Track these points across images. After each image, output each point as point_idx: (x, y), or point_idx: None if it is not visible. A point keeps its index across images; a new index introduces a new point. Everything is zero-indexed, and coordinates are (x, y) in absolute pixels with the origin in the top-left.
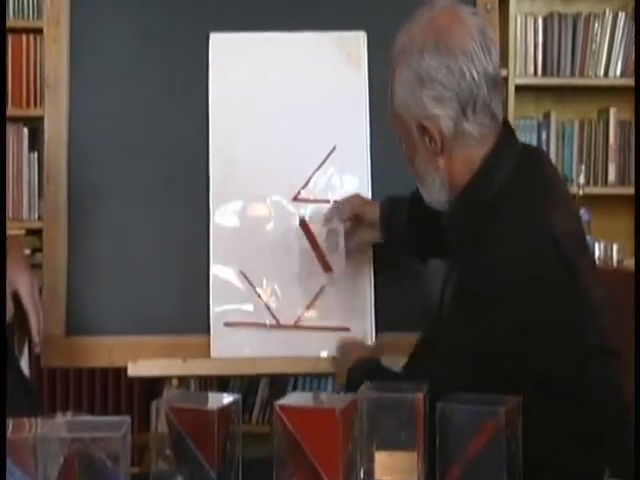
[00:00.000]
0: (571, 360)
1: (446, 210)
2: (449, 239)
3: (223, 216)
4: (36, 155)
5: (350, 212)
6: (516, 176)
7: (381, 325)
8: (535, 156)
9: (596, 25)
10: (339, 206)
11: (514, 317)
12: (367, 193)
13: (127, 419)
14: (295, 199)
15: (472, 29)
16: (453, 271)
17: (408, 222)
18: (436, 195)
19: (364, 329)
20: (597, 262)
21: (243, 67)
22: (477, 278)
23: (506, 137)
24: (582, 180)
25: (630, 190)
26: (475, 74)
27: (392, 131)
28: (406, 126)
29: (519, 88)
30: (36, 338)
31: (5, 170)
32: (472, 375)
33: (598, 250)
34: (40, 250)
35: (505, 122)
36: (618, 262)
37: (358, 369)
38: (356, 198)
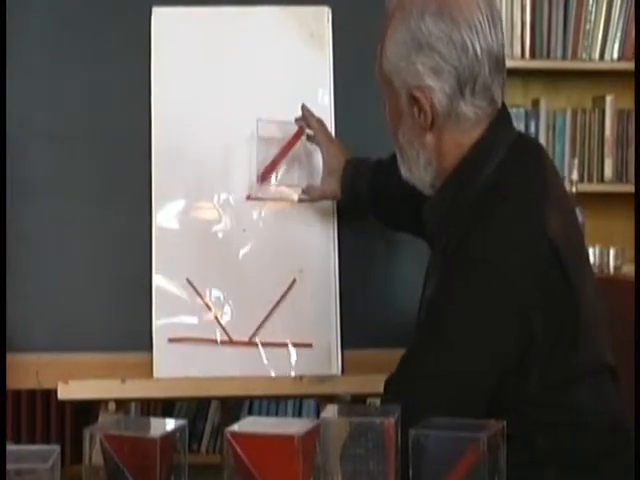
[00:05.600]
0: (562, 378)
1: (427, 206)
2: (429, 238)
3: (167, 217)
4: None
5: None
6: (509, 167)
7: (348, 340)
8: (532, 147)
9: (590, 1)
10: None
11: (506, 333)
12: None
13: (56, 448)
14: (249, 198)
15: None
16: (433, 278)
17: (371, 191)
18: (419, 172)
19: (328, 345)
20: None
21: (190, 46)
22: (464, 285)
23: (501, 122)
24: (575, 176)
25: (629, 187)
26: (478, 50)
27: (359, 121)
28: (394, 90)
29: None
30: None
31: (5, 170)
32: (459, 394)
33: (593, 255)
34: None
35: (503, 106)
36: (615, 269)
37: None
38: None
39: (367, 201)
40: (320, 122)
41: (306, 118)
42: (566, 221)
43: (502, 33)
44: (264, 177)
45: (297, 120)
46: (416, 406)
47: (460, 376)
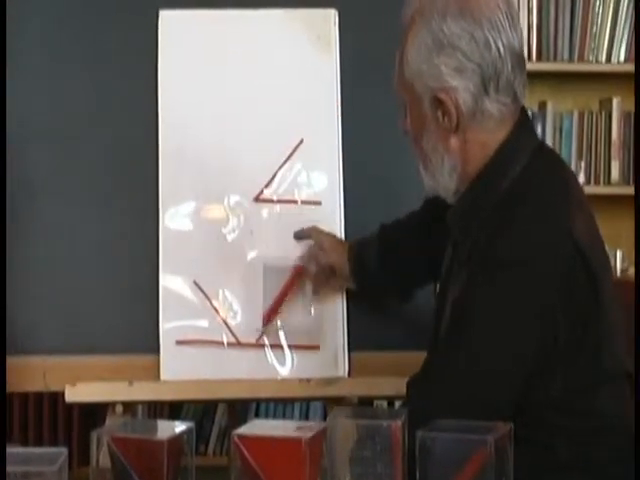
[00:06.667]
0: (586, 383)
1: (452, 209)
2: (451, 242)
3: (174, 219)
4: None
5: (325, 260)
6: (534, 171)
7: (354, 343)
8: (551, 152)
9: (597, 4)
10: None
11: (531, 334)
12: (338, 192)
13: (64, 451)
14: (257, 199)
15: None
16: (456, 281)
17: (380, 268)
18: (444, 180)
19: (335, 348)
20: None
21: (197, 49)
22: (490, 286)
23: (524, 127)
24: (582, 179)
25: None
26: (501, 47)
27: (366, 123)
28: (416, 96)
29: None
30: None
31: (5, 170)
32: (485, 394)
33: None
34: None
35: (523, 110)
36: (622, 271)
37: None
38: (318, 234)
39: (376, 271)
40: (330, 242)
41: (315, 238)
42: (589, 225)
43: (521, 31)
44: (268, 319)
45: (301, 258)
46: (440, 406)
47: (486, 376)
